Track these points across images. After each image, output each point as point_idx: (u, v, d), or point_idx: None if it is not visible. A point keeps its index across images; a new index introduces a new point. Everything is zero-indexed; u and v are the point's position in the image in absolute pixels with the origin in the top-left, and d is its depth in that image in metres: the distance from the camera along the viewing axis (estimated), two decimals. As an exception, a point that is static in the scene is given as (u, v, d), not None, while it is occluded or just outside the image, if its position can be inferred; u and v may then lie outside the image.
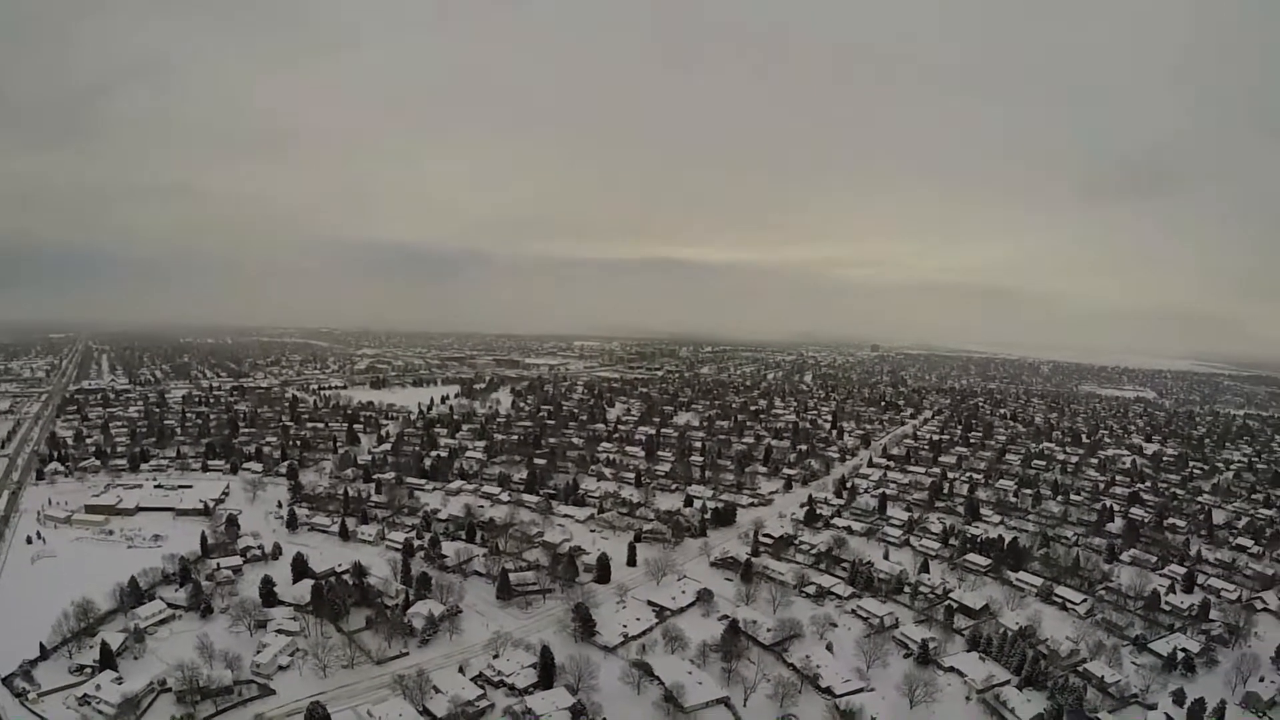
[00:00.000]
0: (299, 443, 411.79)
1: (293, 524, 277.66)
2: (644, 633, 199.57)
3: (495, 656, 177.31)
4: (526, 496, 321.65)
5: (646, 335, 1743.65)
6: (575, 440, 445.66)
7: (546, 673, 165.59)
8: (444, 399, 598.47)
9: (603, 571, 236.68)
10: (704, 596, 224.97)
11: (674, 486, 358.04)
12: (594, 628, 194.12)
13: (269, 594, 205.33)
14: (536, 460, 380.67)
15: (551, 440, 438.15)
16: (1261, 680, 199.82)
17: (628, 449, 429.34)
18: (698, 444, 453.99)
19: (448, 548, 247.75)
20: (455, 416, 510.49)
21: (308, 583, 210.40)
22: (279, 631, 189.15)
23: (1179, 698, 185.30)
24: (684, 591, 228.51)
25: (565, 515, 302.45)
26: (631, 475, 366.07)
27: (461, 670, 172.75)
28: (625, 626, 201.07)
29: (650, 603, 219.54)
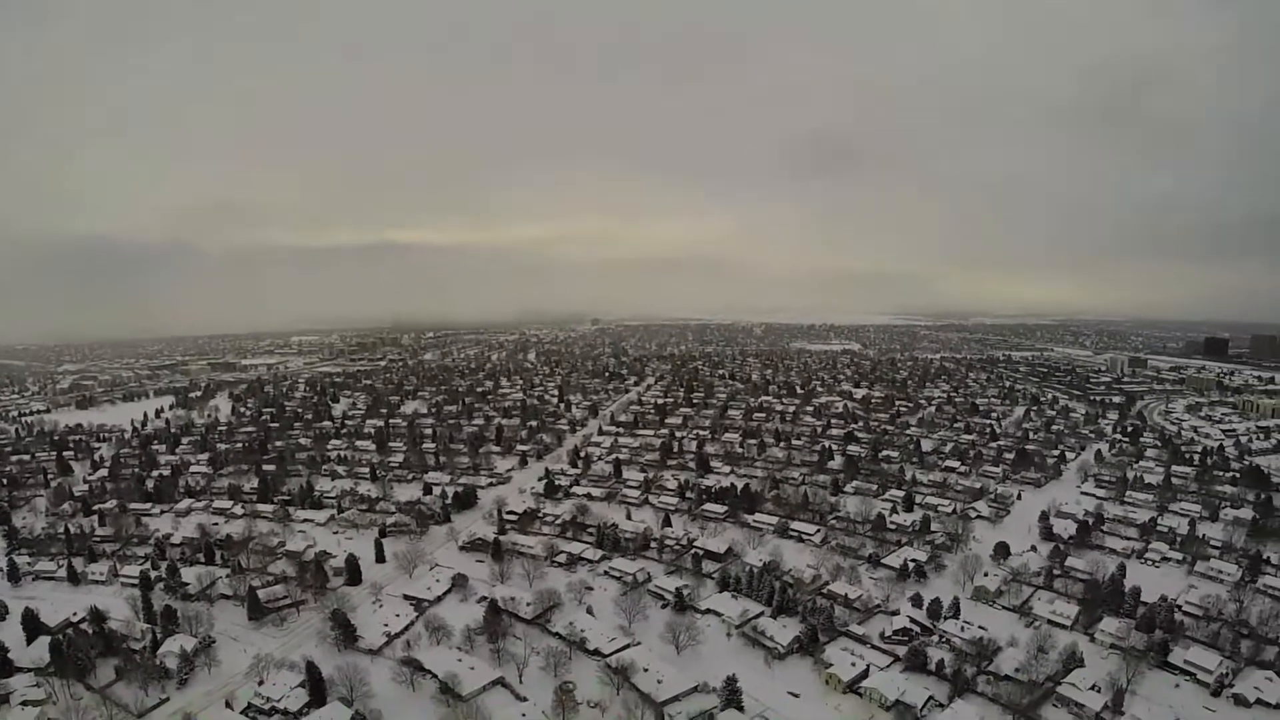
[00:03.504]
0: (5, 481, 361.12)
1: (14, 576, 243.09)
2: (406, 628, 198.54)
3: (260, 683, 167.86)
4: (261, 506, 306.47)
5: (367, 325, 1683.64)
6: (303, 441, 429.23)
7: (317, 689, 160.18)
8: (159, 412, 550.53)
9: (353, 573, 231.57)
10: (459, 582, 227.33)
11: (410, 476, 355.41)
12: (355, 632, 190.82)
13: (3, 663, 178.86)
14: (266, 467, 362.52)
15: (278, 444, 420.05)
16: (986, 575, 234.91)
17: (358, 444, 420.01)
18: (428, 431, 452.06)
19: (188, 574, 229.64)
20: (173, 430, 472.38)
21: (44, 640, 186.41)
22: (24, 704, 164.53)
23: (917, 601, 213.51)
24: (438, 580, 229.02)
25: (305, 520, 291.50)
26: (366, 470, 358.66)
27: (229, 704, 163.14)
28: (387, 625, 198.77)
29: (407, 597, 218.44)
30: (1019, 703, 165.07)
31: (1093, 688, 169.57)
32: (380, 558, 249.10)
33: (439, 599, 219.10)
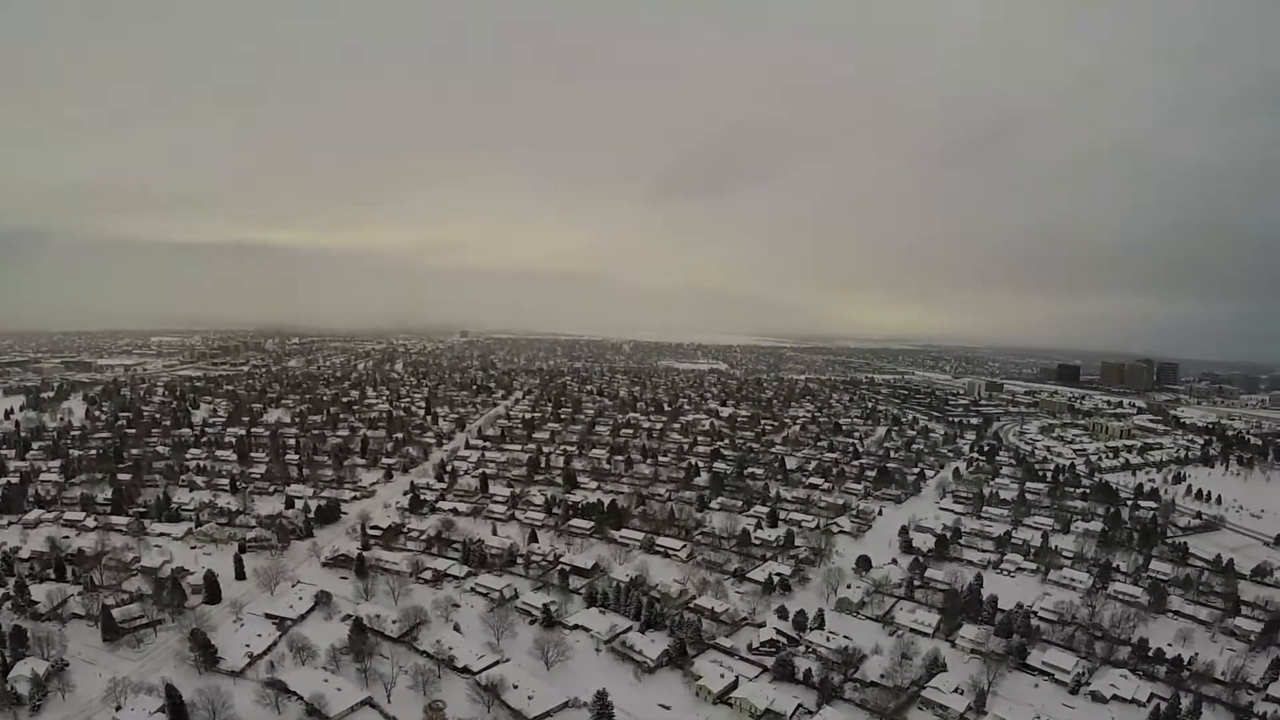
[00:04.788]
0: None
1: None
2: (269, 648, 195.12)
3: (118, 709, 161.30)
4: (115, 519, 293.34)
5: (231, 328, 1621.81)
6: (161, 449, 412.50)
7: (178, 714, 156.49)
8: (8, 413, 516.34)
9: (212, 591, 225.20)
10: (322, 599, 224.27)
11: (272, 488, 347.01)
12: (216, 653, 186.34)
13: None
14: (121, 476, 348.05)
15: (135, 451, 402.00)
16: (849, 587, 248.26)
17: (218, 453, 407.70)
18: (292, 441, 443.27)
19: (38, 592, 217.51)
20: (23, 434, 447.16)
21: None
22: None
23: (783, 613, 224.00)
24: (301, 598, 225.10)
25: (161, 534, 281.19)
26: (226, 481, 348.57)
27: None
28: (248, 646, 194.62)
29: (269, 615, 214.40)
30: (885, 707, 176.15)
31: (956, 690, 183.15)
32: (240, 574, 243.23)
33: (302, 617, 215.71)
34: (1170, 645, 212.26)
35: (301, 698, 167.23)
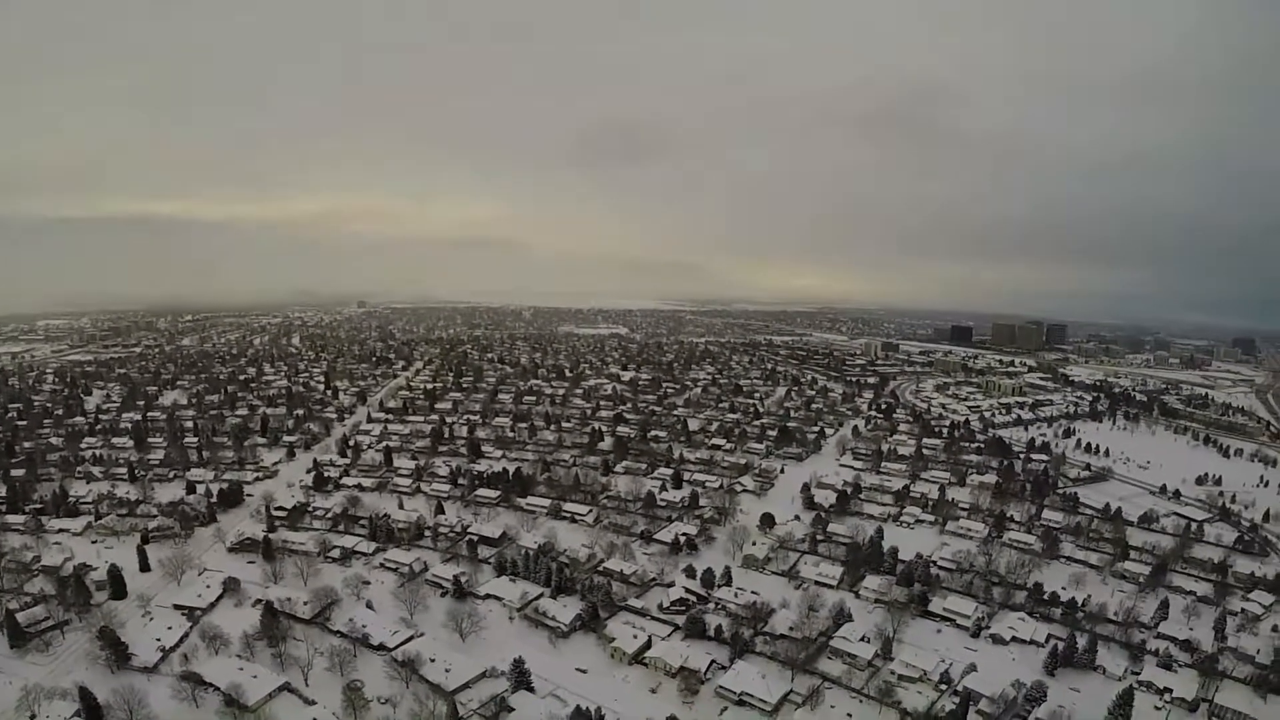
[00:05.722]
0: None
1: None
2: (181, 641, 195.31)
3: (33, 717, 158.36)
4: (10, 517, 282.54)
5: (122, 307, 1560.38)
6: (54, 440, 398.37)
7: (95, 717, 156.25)
8: None
9: (117, 585, 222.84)
10: (231, 586, 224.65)
11: (172, 474, 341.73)
12: (127, 650, 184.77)
13: None
14: (14, 472, 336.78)
15: (27, 444, 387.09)
16: (754, 544, 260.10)
17: (114, 441, 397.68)
18: (189, 424, 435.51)
19: None
20: None
21: None
22: None
23: (691, 572, 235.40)
24: (209, 586, 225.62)
25: (60, 530, 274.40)
26: (124, 470, 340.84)
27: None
28: (160, 640, 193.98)
29: (178, 606, 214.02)
30: (796, 658, 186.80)
31: (863, 639, 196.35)
32: (145, 566, 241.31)
33: (212, 606, 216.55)
34: (1064, 589, 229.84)
35: (219, 688, 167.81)
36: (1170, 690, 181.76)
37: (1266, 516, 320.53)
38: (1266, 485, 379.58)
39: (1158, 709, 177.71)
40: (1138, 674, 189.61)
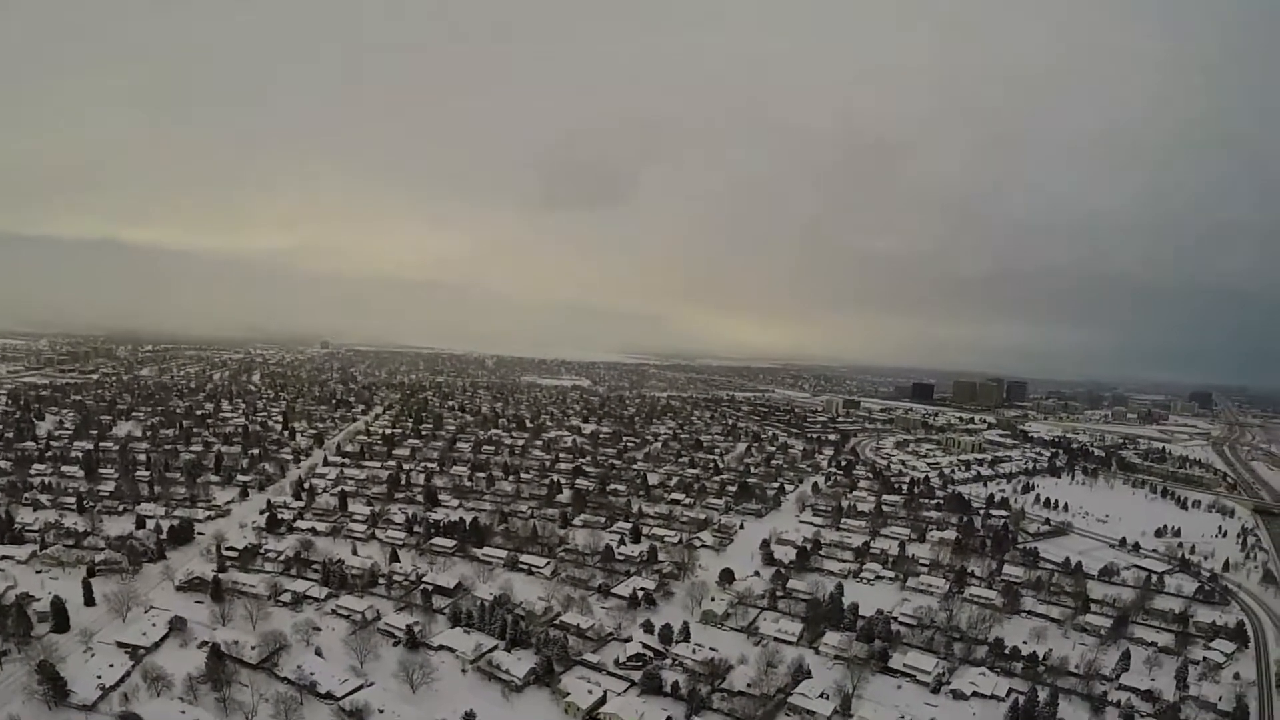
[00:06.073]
0: None
1: None
2: (122, 679, 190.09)
3: None
4: None
5: (83, 331, 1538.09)
6: (2, 464, 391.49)
7: None
8: None
9: (60, 618, 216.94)
10: (177, 625, 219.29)
11: (122, 508, 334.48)
12: (66, 686, 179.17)
13: None
14: None
15: None
16: (713, 600, 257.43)
17: (64, 469, 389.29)
18: (143, 456, 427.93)
19: None
20: None
21: None
22: None
23: (649, 627, 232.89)
24: (154, 624, 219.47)
25: (3, 557, 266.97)
26: (72, 500, 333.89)
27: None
28: (100, 677, 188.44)
29: (121, 644, 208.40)
30: (754, 715, 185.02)
31: (821, 695, 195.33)
32: (90, 600, 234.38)
33: (156, 645, 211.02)
34: (1026, 643, 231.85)
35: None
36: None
37: (1226, 566, 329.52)
38: (1224, 535, 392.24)
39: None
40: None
